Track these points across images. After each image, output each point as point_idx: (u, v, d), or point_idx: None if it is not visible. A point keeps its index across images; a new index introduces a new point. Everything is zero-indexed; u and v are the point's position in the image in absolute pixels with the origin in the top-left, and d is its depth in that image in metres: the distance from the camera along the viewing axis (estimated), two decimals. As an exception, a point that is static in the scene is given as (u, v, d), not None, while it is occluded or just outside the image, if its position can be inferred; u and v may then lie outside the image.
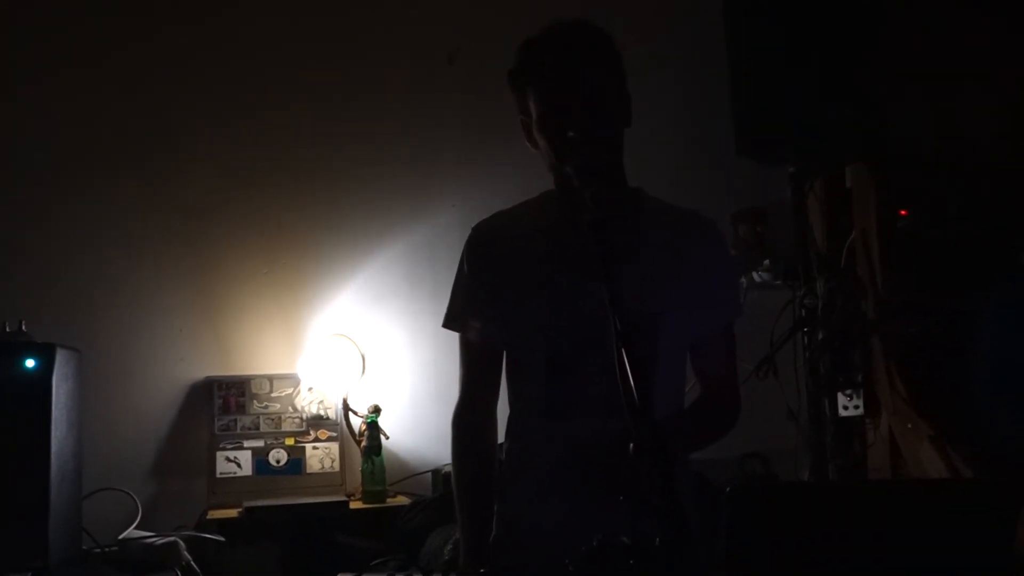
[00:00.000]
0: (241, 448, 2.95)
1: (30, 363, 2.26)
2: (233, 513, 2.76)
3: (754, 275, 3.32)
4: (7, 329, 2.40)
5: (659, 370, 1.72)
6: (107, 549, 2.52)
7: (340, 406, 3.06)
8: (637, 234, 1.76)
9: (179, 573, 2.45)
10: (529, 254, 1.78)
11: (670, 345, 1.74)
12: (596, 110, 1.68)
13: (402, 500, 2.92)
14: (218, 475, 2.91)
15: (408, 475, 3.08)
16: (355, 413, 3.05)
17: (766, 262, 3.31)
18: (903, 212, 3.10)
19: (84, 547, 2.50)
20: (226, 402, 2.98)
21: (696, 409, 1.81)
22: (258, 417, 2.99)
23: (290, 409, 3.03)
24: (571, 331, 1.72)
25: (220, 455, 2.93)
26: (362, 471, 2.94)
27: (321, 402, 3.06)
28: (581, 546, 1.25)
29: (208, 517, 2.76)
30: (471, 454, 1.81)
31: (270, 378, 3.04)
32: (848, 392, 3.09)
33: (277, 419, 3.01)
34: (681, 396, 1.81)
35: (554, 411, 1.73)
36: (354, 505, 2.86)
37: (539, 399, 1.74)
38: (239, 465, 2.93)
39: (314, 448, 3.01)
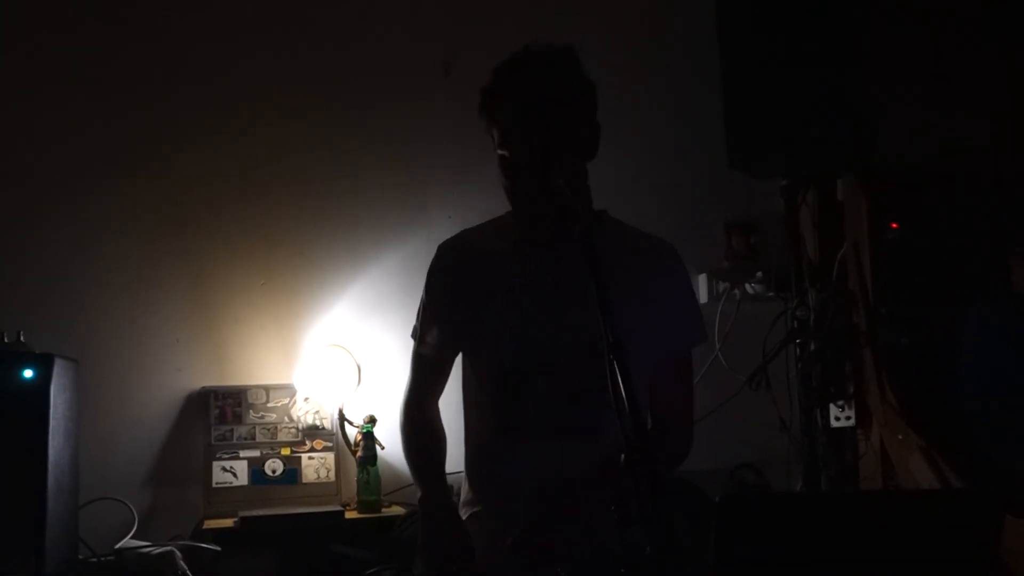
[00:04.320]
0: (237, 458, 2.96)
1: (28, 373, 2.27)
2: (229, 523, 2.76)
3: (747, 286, 3.34)
4: (5, 339, 2.42)
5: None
6: (103, 559, 2.52)
7: (336, 416, 3.07)
8: (597, 255, 1.81)
9: (175, 582, 2.47)
10: (492, 273, 1.86)
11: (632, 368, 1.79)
12: (551, 140, 1.71)
13: (397, 510, 2.93)
14: (214, 485, 2.92)
15: (403, 485, 3.08)
16: (351, 423, 3.06)
17: (759, 273, 3.33)
18: (894, 225, 3.13)
19: (80, 556, 2.51)
20: (222, 412, 2.99)
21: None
22: (254, 427, 3.00)
23: (286, 419, 3.04)
24: (529, 349, 1.79)
25: (216, 465, 2.93)
26: (357, 481, 2.95)
27: (317, 412, 3.07)
28: (573, 554, 1.27)
29: (204, 527, 2.76)
30: (421, 431, 1.91)
31: (266, 388, 3.05)
32: (840, 403, 3.11)
33: (273, 429, 3.02)
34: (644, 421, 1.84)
35: (509, 428, 1.81)
36: (349, 515, 2.87)
37: (495, 416, 1.82)
38: (235, 475, 2.94)
39: (310, 458, 3.02)
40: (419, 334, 1.95)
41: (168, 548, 2.55)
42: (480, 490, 1.88)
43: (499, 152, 1.76)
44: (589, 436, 1.77)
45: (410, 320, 1.93)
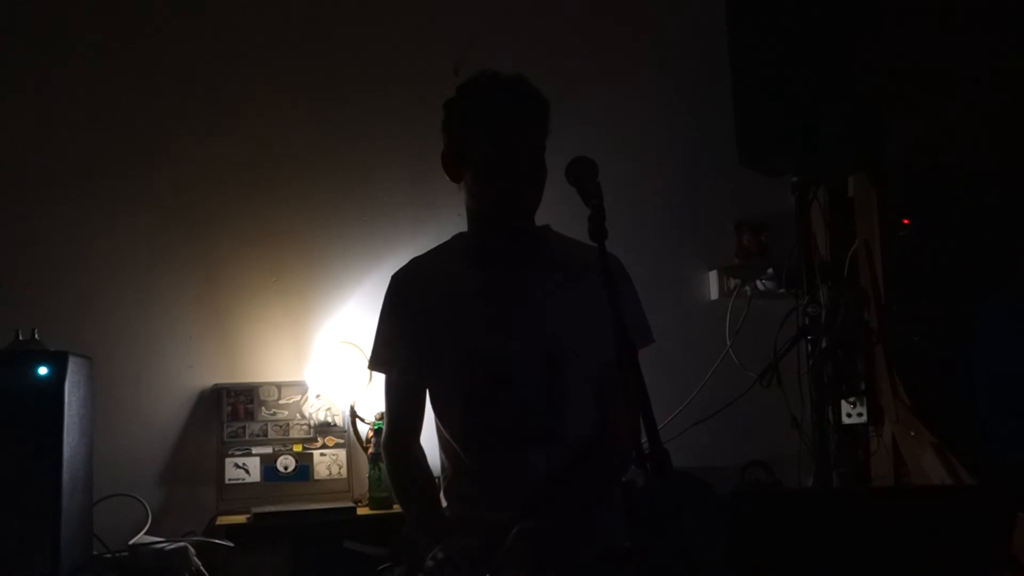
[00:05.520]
0: (249, 455, 2.97)
1: (43, 370, 2.29)
2: (242, 519, 2.78)
3: (758, 283, 3.34)
4: (20, 337, 2.44)
5: (572, 399, 1.85)
6: (117, 555, 2.54)
7: (347, 413, 3.08)
8: (546, 269, 1.90)
9: (188, 578, 2.48)
10: (447, 296, 1.93)
11: (578, 377, 1.83)
12: (535, 162, 1.86)
13: (409, 506, 2.94)
14: (227, 481, 2.93)
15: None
16: (362, 420, 3.07)
17: (769, 270, 3.33)
18: (905, 221, 3.13)
19: (94, 553, 2.53)
20: (235, 409, 3.01)
21: (588, 460, 1.87)
22: (266, 424, 3.02)
23: (298, 416, 3.05)
24: (486, 367, 1.86)
25: (229, 461, 2.95)
26: (369, 477, 2.96)
27: (328, 409, 3.08)
28: (580, 552, 1.28)
29: (217, 523, 2.78)
30: (406, 467, 1.97)
31: (278, 385, 3.07)
32: (851, 400, 3.11)
33: (285, 426, 3.03)
34: (587, 428, 1.89)
35: (475, 445, 1.88)
36: (361, 511, 2.88)
37: (462, 434, 1.89)
38: (247, 471, 2.96)
39: (322, 455, 3.04)
40: (386, 362, 2.00)
41: (181, 544, 2.57)
42: (456, 507, 1.95)
43: (483, 163, 1.86)
44: (553, 443, 1.85)
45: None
